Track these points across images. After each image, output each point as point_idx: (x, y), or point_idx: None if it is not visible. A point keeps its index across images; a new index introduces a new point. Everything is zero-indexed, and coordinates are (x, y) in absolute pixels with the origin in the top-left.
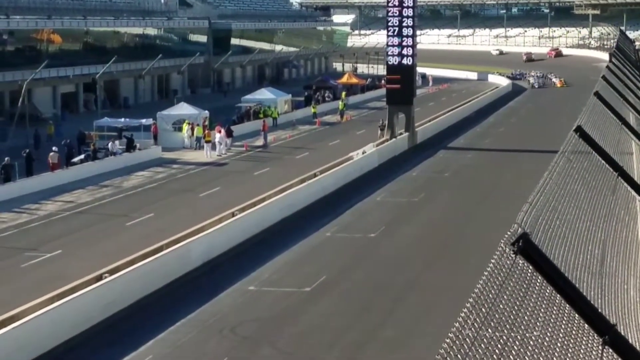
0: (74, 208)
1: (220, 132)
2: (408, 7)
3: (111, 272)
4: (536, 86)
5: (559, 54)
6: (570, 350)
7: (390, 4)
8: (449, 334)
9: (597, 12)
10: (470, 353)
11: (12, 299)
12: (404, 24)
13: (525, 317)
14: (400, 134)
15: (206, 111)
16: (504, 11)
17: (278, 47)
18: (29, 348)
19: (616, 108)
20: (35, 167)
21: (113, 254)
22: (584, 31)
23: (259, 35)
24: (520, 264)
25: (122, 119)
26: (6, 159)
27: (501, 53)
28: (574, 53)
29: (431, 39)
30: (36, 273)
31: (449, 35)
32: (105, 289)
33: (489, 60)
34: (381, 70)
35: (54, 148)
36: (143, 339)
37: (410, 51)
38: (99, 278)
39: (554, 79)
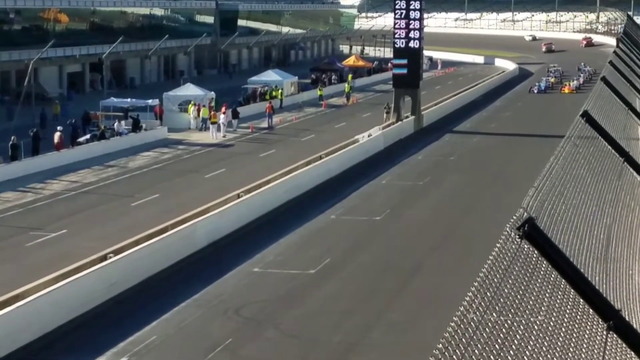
0: (80, 188)
1: (224, 113)
2: None
3: (116, 252)
4: (535, 91)
5: (590, 44)
6: (574, 335)
7: None
8: (454, 318)
9: None
10: (474, 337)
11: (16, 278)
12: (411, 7)
13: (530, 302)
14: (407, 117)
15: (212, 92)
16: None
17: (285, 29)
18: (33, 327)
19: (623, 93)
20: (41, 146)
21: (118, 234)
22: (592, 16)
23: (265, 16)
24: (525, 249)
25: (128, 99)
26: (12, 138)
27: (534, 39)
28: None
29: (438, 22)
30: (41, 252)
31: (456, 19)
32: (110, 269)
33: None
34: (388, 53)
35: (58, 128)
36: (147, 319)
37: (417, 34)
38: (104, 258)
39: (570, 82)
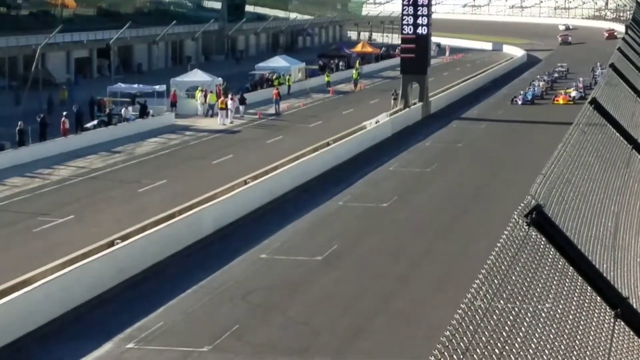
0: (87, 174)
1: (233, 99)
2: None
3: (123, 238)
4: (519, 101)
5: (612, 36)
6: (582, 322)
7: None
8: (461, 305)
9: None
10: (482, 324)
11: (24, 264)
12: None
13: (538, 289)
14: (414, 103)
15: (219, 78)
16: None
17: (292, 15)
18: (40, 312)
19: (632, 81)
20: (49, 132)
21: (125, 220)
22: (600, 2)
23: (273, 2)
24: (533, 236)
25: (136, 85)
26: (20, 123)
27: (568, 28)
28: (588, 25)
29: (446, 8)
30: (48, 238)
31: (465, 5)
32: (117, 255)
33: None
34: (396, 39)
35: (64, 113)
36: (154, 305)
37: (425, 20)
38: (111, 244)
39: (568, 91)
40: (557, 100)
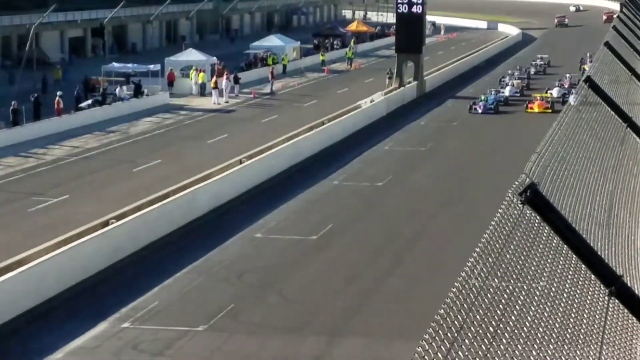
0: (81, 153)
1: (228, 78)
2: None
3: (118, 218)
4: (479, 110)
5: (611, 19)
6: (576, 300)
7: None
8: (455, 284)
9: None
10: (476, 303)
11: (18, 244)
12: None
13: (532, 268)
14: (409, 82)
15: (214, 57)
16: None
17: None
18: (35, 292)
19: (626, 59)
20: (43, 111)
21: (120, 199)
22: None
23: None
24: (527, 214)
25: (130, 65)
26: (13, 102)
27: (578, 10)
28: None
29: None
30: (43, 218)
31: None
32: (112, 234)
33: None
34: (391, 18)
35: (58, 93)
36: (149, 285)
37: None
38: (106, 224)
39: (539, 96)
40: (532, 108)
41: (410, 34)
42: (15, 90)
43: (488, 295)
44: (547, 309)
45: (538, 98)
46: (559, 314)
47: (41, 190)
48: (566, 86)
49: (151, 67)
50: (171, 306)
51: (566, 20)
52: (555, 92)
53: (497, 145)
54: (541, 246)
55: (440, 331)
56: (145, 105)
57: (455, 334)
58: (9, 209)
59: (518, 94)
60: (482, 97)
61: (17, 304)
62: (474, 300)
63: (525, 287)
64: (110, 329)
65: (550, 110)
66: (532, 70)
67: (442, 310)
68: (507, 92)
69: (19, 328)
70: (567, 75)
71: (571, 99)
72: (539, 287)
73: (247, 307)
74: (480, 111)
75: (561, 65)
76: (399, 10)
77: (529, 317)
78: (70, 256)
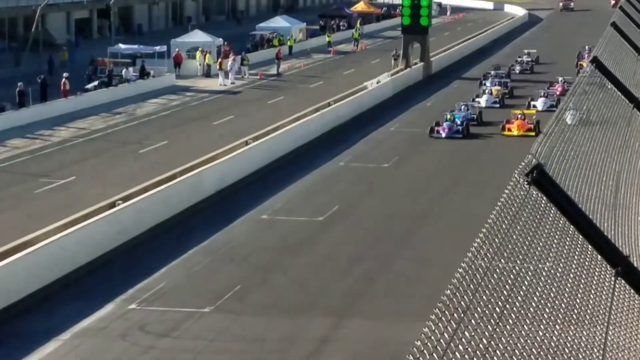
0: (88, 135)
1: (234, 59)
2: None
3: (124, 199)
4: (442, 132)
5: (618, 2)
6: (582, 281)
7: None
8: (462, 264)
9: None
10: (482, 283)
11: (25, 225)
12: None
13: (538, 248)
14: (415, 63)
15: (220, 39)
16: None
17: None
18: (42, 274)
19: (633, 39)
20: (49, 93)
21: (126, 181)
22: None
23: None
24: (534, 195)
25: (136, 46)
26: (20, 84)
27: None
28: None
29: None
30: (49, 199)
31: None
32: (118, 216)
33: None
34: None
35: (65, 74)
36: (156, 266)
37: None
38: (112, 205)
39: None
40: (509, 129)
41: (416, 14)
42: (21, 72)
43: (494, 276)
44: (554, 290)
45: (518, 115)
46: (565, 295)
47: (48, 171)
48: (558, 93)
49: (157, 48)
50: (178, 287)
51: (572, 4)
52: (540, 104)
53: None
54: (547, 227)
55: (446, 312)
56: (152, 86)
57: (462, 315)
58: (15, 191)
59: (497, 105)
60: (448, 116)
61: (24, 285)
62: (480, 281)
63: (531, 268)
64: (117, 311)
65: (533, 133)
66: (518, 69)
67: (448, 290)
68: (483, 101)
69: (26, 309)
70: (560, 78)
71: (568, 117)
72: (545, 268)
73: (253, 288)
74: (443, 135)
75: (553, 62)
76: None
77: (535, 298)
78: (76, 238)
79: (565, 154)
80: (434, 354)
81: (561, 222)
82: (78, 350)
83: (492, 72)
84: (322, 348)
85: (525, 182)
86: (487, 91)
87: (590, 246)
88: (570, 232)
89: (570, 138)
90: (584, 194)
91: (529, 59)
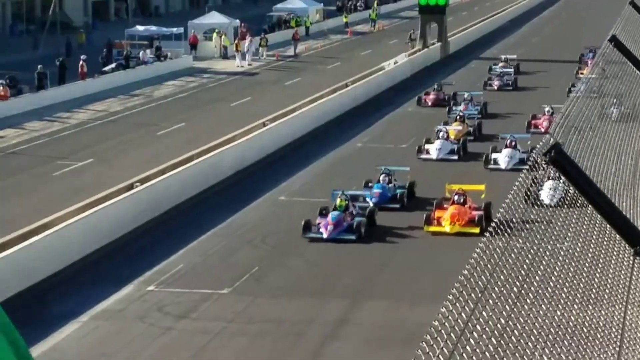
0: (105, 117)
1: (252, 40)
2: None
3: (142, 181)
4: (324, 233)
5: None
6: (601, 260)
7: None
8: (479, 244)
9: None
10: (500, 263)
11: (44, 207)
12: None
13: (556, 228)
14: (433, 44)
15: (237, 20)
16: None
17: None
18: (60, 256)
19: None
20: (67, 75)
21: (144, 163)
22: None
23: None
24: (552, 174)
25: (153, 28)
26: (39, 66)
27: None
28: None
29: None
30: (68, 181)
31: None
32: (136, 198)
33: None
34: None
35: (82, 57)
36: (174, 248)
37: None
38: (130, 187)
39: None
40: (438, 222)
41: None
42: (39, 55)
43: (512, 255)
44: (572, 269)
45: (455, 196)
46: (584, 275)
47: (66, 154)
48: (543, 130)
49: (174, 30)
50: (195, 269)
51: None
52: (504, 160)
53: (521, 104)
54: (565, 206)
55: (464, 291)
56: (169, 68)
57: (479, 294)
58: (34, 173)
59: (455, 157)
60: (362, 196)
61: (42, 267)
62: (497, 260)
63: (549, 247)
64: (135, 292)
65: (477, 229)
66: (496, 84)
67: (466, 270)
68: (433, 151)
69: (45, 292)
70: (546, 108)
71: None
72: (564, 248)
73: (271, 269)
74: (325, 235)
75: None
76: None
77: (553, 277)
78: (94, 220)
79: (583, 134)
80: (452, 334)
81: (579, 201)
82: (96, 332)
83: (466, 95)
84: (339, 329)
85: (544, 162)
86: (441, 134)
87: (608, 225)
88: (588, 211)
89: (589, 117)
90: (603, 172)
91: (508, 70)
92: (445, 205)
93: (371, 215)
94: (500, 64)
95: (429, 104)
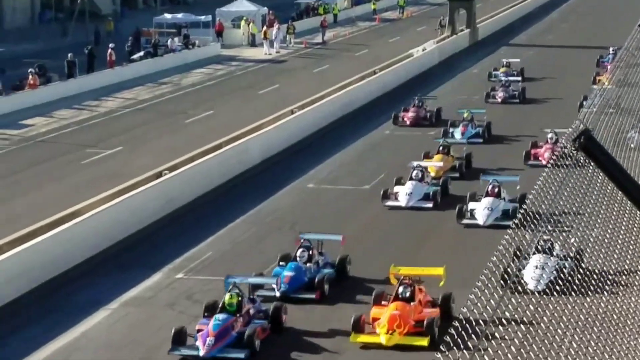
0: (134, 105)
1: (279, 28)
2: None
3: (171, 169)
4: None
5: None
6: (631, 247)
7: None
8: (508, 231)
9: None
10: (528, 250)
11: (73, 196)
12: None
13: (586, 215)
14: (461, 30)
15: (265, 7)
16: None
17: None
18: (90, 244)
19: None
20: (96, 64)
21: (172, 151)
22: None
23: None
24: (581, 161)
25: (181, 16)
26: (69, 54)
27: None
28: None
29: None
30: (96, 169)
31: None
32: (165, 186)
33: None
34: None
35: (110, 45)
36: (203, 235)
37: None
38: (159, 175)
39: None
40: (374, 327)
41: None
42: (67, 43)
43: (541, 242)
44: (601, 256)
45: (399, 287)
46: (614, 261)
47: (94, 142)
48: (544, 162)
49: (202, 18)
50: (224, 256)
51: None
52: (482, 214)
53: (552, 91)
54: (595, 193)
55: (492, 278)
56: (197, 56)
57: (508, 281)
58: (63, 161)
59: (430, 205)
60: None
61: (72, 255)
62: (526, 247)
63: (578, 234)
64: (164, 280)
65: (424, 342)
66: (500, 96)
67: (494, 257)
68: (403, 197)
69: (74, 279)
70: (549, 134)
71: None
72: (593, 234)
73: None
74: (202, 353)
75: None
76: None
77: (582, 265)
78: (124, 208)
79: (613, 120)
80: (480, 320)
81: (609, 187)
82: (126, 319)
83: (466, 114)
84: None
85: (573, 148)
86: (415, 173)
87: (639, 212)
88: (618, 197)
89: (619, 104)
90: (633, 159)
91: (514, 78)
92: (384, 302)
93: (276, 315)
94: (502, 69)
95: (407, 122)
